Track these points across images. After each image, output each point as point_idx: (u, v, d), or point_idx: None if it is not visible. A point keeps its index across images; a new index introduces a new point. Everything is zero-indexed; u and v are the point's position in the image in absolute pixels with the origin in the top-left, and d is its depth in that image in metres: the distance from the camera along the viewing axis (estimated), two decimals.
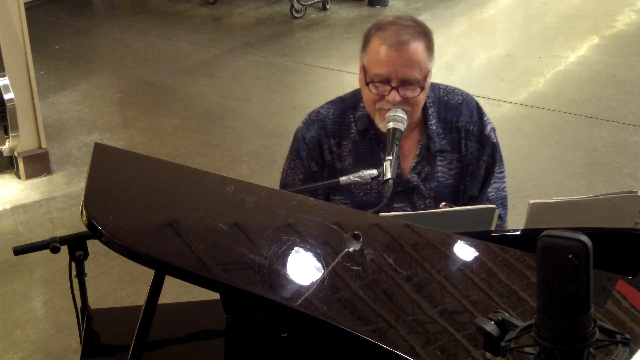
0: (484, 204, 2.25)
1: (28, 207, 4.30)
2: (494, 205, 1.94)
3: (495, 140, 2.31)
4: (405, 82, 2.12)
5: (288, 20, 7.56)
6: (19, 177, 4.57)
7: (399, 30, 2.12)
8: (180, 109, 5.58)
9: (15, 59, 4.29)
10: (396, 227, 1.70)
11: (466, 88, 2.40)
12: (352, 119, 2.28)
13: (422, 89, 2.16)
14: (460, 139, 2.28)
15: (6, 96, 4.18)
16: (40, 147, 4.59)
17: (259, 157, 4.82)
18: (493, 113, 5.15)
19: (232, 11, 7.96)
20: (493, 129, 2.32)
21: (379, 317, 1.39)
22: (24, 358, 3.16)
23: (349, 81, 5.43)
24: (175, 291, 2.26)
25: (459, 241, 1.63)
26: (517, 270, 1.56)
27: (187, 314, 1.99)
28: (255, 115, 5.45)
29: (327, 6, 7.74)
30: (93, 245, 1.76)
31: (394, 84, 2.12)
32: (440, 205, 2.22)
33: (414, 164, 2.27)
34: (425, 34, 2.15)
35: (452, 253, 1.64)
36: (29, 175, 4.56)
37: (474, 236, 1.65)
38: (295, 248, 1.54)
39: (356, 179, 2.05)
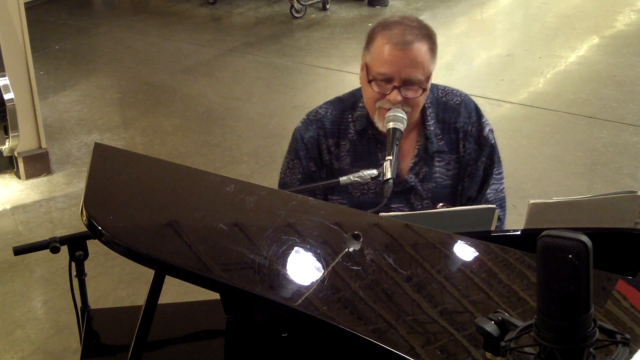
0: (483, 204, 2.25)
1: (28, 207, 4.30)
2: (494, 206, 1.94)
3: (493, 142, 2.31)
4: (407, 82, 2.12)
5: (288, 20, 7.56)
6: (19, 177, 4.57)
7: (405, 30, 2.12)
8: (180, 109, 5.58)
9: (15, 59, 4.29)
10: (396, 227, 1.70)
11: (466, 88, 2.40)
12: (350, 119, 2.28)
13: (424, 90, 2.16)
14: (459, 140, 2.28)
15: (6, 96, 4.18)
16: (40, 147, 4.59)
17: (259, 157, 4.82)
18: (493, 113, 5.17)
19: (232, 11, 7.96)
20: (491, 130, 2.32)
21: (379, 317, 1.39)
22: (24, 358, 3.16)
23: (349, 81, 5.43)
24: (175, 291, 2.26)
25: (459, 241, 1.63)
26: (517, 270, 1.56)
27: (187, 314, 1.99)
28: (255, 115, 5.45)
29: (327, 6, 7.74)
30: (93, 245, 1.76)
31: (396, 84, 2.12)
32: (438, 206, 2.22)
33: (411, 165, 2.27)
34: (429, 36, 2.16)
35: (452, 253, 1.64)
36: (29, 175, 4.56)
37: (474, 236, 1.65)
38: (295, 248, 1.54)
39: (356, 179, 2.05)
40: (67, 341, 3.20)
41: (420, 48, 2.12)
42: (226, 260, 1.53)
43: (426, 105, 2.26)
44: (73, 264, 1.85)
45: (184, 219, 1.65)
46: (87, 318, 1.91)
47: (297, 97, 5.71)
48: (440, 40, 2.20)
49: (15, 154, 4.52)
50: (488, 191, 2.29)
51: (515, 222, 2.26)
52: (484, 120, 2.31)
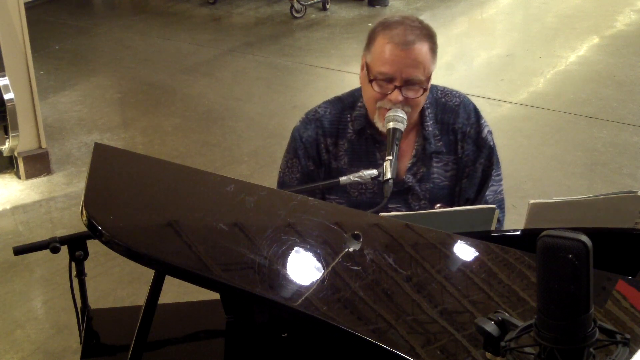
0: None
1: (28, 207, 4.30)
2: (494, 206, 1.94)
3: (492, 143, 2.31)
4: (408, 82, 2.12)
5: (288, 20, 7.56)
6: (19, 177, 4.57)
7: (406, 30, 2.12)
8: (180, 109, 5.58)
9: (15, 59, 4.29)
10: (396, 227, 1.70)
11: (466, 88, 2.41)
12: (349, 119, 2.28)
13: (424, 90, 2.16)
14: (457, 141, 2.28)
15: (6, 96, 4.18)
16: (40, 147, 4.59)
17: (259, 157, 4.82)
18: (493, 113, 5.17)
19: (232, 11, 7.96)
20: (490, 132, 2.32)
21: (379, 317, 1.39)
22: (24, 358, 3.16)
23: (349, 81, 5.43)
24: (175, 291, 2.26)
25: (459, 241, 1.63)
26: (517, 270, 1.56)
27: (187, 314, 1.99)
28: (255, 115, 5.45)
29: (327, 6, 7.74)
30: (93, 245, 1.76)
31: (397, 83, 2.12)
32: (436, 207, 2.22)
33: (409, 165, 2.27)
34: (430, 36, 2.16)
35: (452, 253, 1.64)
36: (29, 175, 4.56)
37: (474, 236, 1.65)
38: (295, 248, 1.54)
39: (356, 178, 2.05)
40: (67, 341, 3.20)
41: (422, 48, 2.12)
42: (226, 260, 1.53)
43: (425, 105, 2.26)
44: (73, 264, 1.85)
45: (184, 219, 1.65)
46: (87, 318, 1.91)
47: (297, 97, 5.71)
48: (440, 40, 2.20)
49: (15, 154, 4.52)
50: (487, 193, 2.29)
51: (515, 222, 2.26)
52: (482, 121, 2.31)
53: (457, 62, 6.27)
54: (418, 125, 2.27)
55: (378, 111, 2.18)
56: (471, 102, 2.33)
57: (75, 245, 1.82)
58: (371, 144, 2.26)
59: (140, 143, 5.06)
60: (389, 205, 2.23)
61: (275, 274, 1.49)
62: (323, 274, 1.48)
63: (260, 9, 7.93)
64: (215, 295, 1.81)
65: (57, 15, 7.80)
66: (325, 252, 1.55)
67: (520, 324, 1.14)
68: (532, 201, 1.79)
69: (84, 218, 1.53)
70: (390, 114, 2.12)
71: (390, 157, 2.04)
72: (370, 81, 2.16)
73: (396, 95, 2.13)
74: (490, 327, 1.15)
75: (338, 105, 2.31)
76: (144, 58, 6.63)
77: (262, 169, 4.63)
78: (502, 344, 1.14)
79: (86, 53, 6.81)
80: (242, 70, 6.34)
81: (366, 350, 1.32)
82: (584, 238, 1.03)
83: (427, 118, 2.26)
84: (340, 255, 1.53)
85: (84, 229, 1.58)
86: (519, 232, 1.84)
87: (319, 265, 1.51)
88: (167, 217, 1.65)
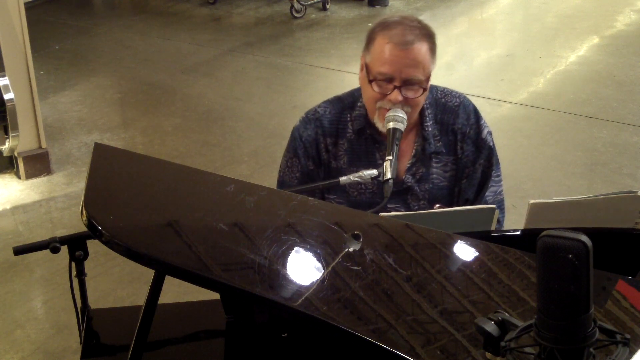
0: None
1: (28, 207, 4.30)
2: (493, 206, 1.94)
3: (491, 144, 2.31)
4: (408, 82, 2.12)
5: (288, 20, 7.56)
6: (19, 177, 4.57)
7: (405, 30, 2.12)
8: (180, 109, 5.58)
9: (15, 59, 4.29)
10: (396, 227, 1.70)
11: (466, 88, 2.41)
12: (348, 119, 2.28)
13: (424, 90, 2.16)
14: (457, 142, 2.28)
15: (6, 96, 4.18)
16: (40, 147, 4.59)
17: (259, 157, 4.82)
18: (493, 113, 5.17)
19: (232, 11, 7.96)
20: (490, 133, 2.32)
21: (379, 317, 1.39)
22: (24, 358, 3.16)
23: (349, 81, 5.43)
24: (175, 291, 2.26)
25: (459, 241, 1.63)
26: (517, 270, 1.56)
27: (187, 314, 1.99)
28: (255, 115, 5.45)
29: (327, 6, 7.74)
30: (93, 245, 1.76)
31: (396, 83, 2.12)
32: (435, 207, 2.22)
33: (409, 165, 2.27)
34: (429, 36, 2.16)
35: (452, 253, 1.64)
36: (29, 175, 4.56)
37: (474, 236, 1.65)
38: (295, 248, 1.54)
39: (356, 178, 2.05)
40: (67, 341, 3.20)
41: (421, 48, 2.12)
42: (226, 260, 1.53)
43: (425, 106, 2.26)
44: (73, 264, 1.85)
45: (184, 219, 1.65)
46: (87, 318, 1.91)
47: (297, 97, 5.71)
48: (440, 40, 2.20)
49: (15, 154, 4.52)
50: (487, 193, 2.28)
51: (515, 222, 2.26)
52: (482, 122, 2.31)
53: (457, 62, 6.27)
54: (418, 125, 2.27)
55: (378, 111, 2.18)
56: (471, 102, 2.33)
57: (75, 245, 1.82)
58: (371, 144, 2.26)
59: (140, 143, 5.06)
60: (389, 205, 2.23)
61: (275, 274, 1.49)
62: (323, 274, 1.48)
63: (260, 9, 7.93)
64: (215, 295, 1.81)
65: (57, 15, 7.80)
66: (325, 252, 1.55)
67: (520, 324, 1.14)
68: (532, 201, 1.79)
69: (84, 218, 1.53)
70: (390, 114, 2.12)
71: (391, 157, 2.04)
72: (370, 81, 2.16)
73: (396, 95, 2.13)
74: (490, 327, 1.15)
75: (338, 105, 2.31)
76: (144, 58, 6.63)
77: (262, 169, 4.63)
78: (502, 344, 1.14)
79: (86, 53, 6.82)
80: (242, 70, 6.34)
81: (366, 350, 1.32)
82: (584, 238, 1.03)
83: (427, 118, 2.26)
84: (340, 255, 1.53)
85: (84, 229, 1.58)
86: (519, 232, 1.84)
87: (319, 265, 1.51)
88: (167, 217, 1.65)
